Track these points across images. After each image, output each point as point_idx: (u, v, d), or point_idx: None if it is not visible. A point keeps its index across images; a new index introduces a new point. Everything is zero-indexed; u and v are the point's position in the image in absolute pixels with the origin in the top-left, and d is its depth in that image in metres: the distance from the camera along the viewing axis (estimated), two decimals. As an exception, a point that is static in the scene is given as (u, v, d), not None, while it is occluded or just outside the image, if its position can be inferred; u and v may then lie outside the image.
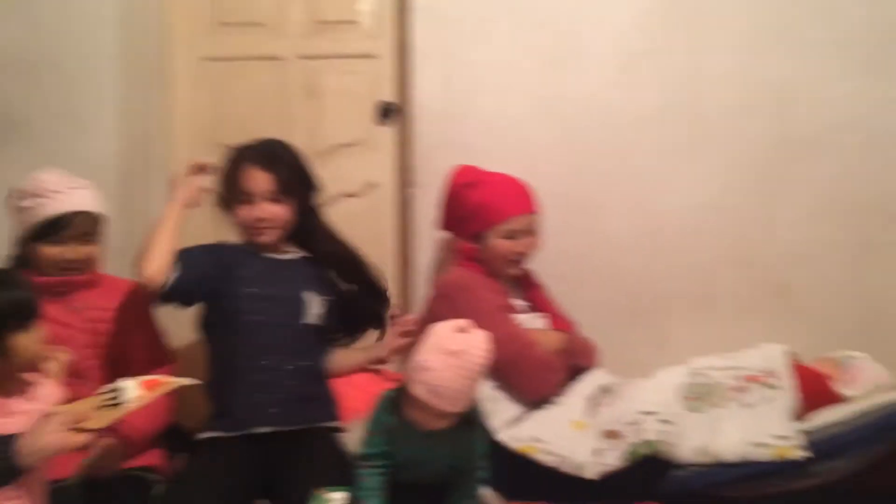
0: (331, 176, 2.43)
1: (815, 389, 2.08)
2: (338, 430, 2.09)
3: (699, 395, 2.04)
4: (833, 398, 2.10)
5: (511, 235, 2.18)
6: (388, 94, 2.71)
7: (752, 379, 2.05)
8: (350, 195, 2.70)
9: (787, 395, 2.02)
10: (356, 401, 2.10)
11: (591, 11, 2.55)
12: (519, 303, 2.27)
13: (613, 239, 2.58)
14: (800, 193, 2.50)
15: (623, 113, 2.54)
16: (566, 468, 1.97)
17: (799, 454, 1.88)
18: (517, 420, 2.07)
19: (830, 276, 2.48)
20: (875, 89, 2.46)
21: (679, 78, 2.52)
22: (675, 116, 2.52)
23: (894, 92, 2.45)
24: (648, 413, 2.00)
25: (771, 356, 2.14)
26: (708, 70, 2.51)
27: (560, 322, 2.29)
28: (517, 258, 2.21)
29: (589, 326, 2.38)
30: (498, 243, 2.19)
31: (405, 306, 2.60)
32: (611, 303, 2.59)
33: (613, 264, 2.59)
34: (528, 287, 2.33)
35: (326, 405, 2.12)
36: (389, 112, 2.70)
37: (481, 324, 1.70)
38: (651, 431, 1.97)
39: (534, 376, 2.09)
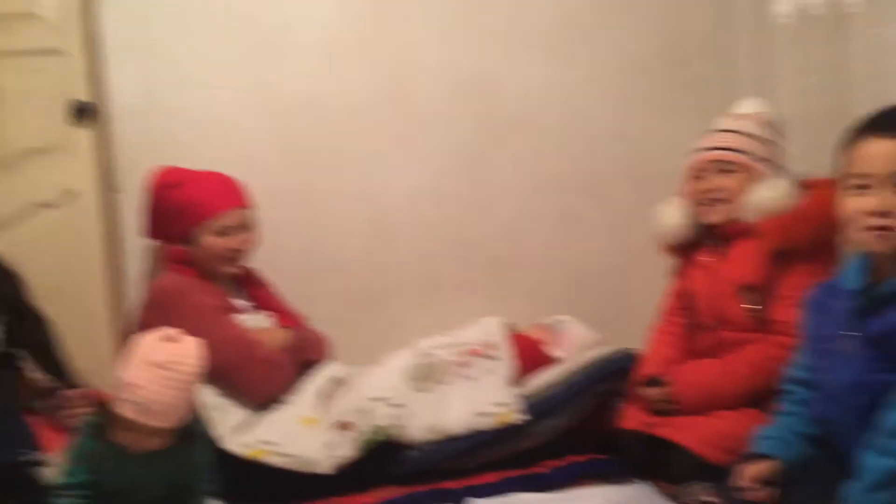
0: (20, 185, 2.17)
1: (530, 355, 2.23)
2: (35, 463, 1.87)
3: (425, 375, 2.10)
4: (547, 361, 2.26)
5: (223, 232, 2.09)
6: (81, 93, 2.47)
7: (473, 353, 2.15)
8: (46, 205, 2.43)
9: (505, 363, 2.14)
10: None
11: (298, 3, 2.51)
12: (240, 302, 2.18)
13: (338, 229, 2.58)
14: (507, 173, 2.65)
15: (335, 104, 2.54)
16: (299, 467, 1.93)
17: (519, 418, 2.00)
18: (245, 425, 1.99)
19: (539, 249, 2.67)
20: (565, 75, 2.67)
21: (388, 69, 2.57)
22: (387, 106, 2.57)
23: (581, 78, 2.67)
24: (378, 399, 2.03)
25: (489, 329, 2.25)
26: (415, 61, 2.59)
27: (287, 318, 2.24)
28: (233, 255, 2.12)
29: (321, 319, 2.36)
30: (210, 241, 2.09)
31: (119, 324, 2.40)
32: (341, 293, 2.59)
33: (340, 255, 2.59)
34: (249, 285, 2.25)
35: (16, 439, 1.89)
36: (85, 112, 2.46)
37: (197, 328, 1.60)
38: (381, 417, 1.99)
39: (259, 377, 2.03)
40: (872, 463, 1.33)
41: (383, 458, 2.00)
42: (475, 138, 2.63)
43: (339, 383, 2.15)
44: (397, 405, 2.02)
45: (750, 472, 1.48)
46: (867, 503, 1.31)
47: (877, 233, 1.40)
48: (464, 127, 2.61)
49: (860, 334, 1.42)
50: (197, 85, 2.45)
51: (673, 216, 2.06)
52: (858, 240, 1.44)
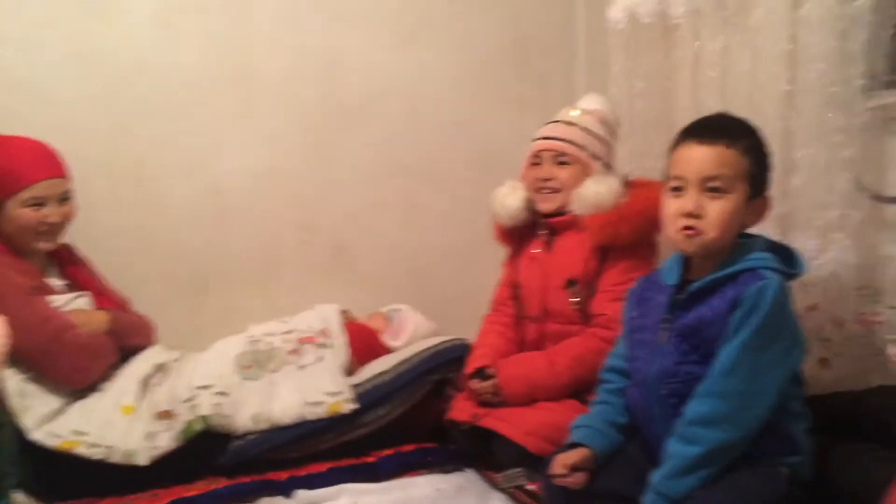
0: None
1: (365, 344, 2.22)
2: None
3: (256, 363, 2.04)
4: (382, 350, 2.25)
5: (36, 203, 1.93)
6: None
7: (306, 340, 2.10)
8: None
9: (339, 352, 2.11)
10: None
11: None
12: (55, 282, 2.03)
13: (170, 207, 2.45)
14: (352, 157, 2.61)
15: (170, 74, 2.40)
16: (115, 458, 1.82)
17: (349, 407, 1.98)
18: (56, 414, 1.85)
19: (382, 236, 2.65)
20: (413, 62, 2.66)
21: (229, 40, 2.45)
22: (226, 79, 2.45)
23: (429, 66, 2.67)
24: (203, 387, 1.95)
25: (325, 316, 2.22)
26: (258, 34, 2.48)
27: (107, 300, 2.09)
28: (46, 230, 1.96)
29: (148, 302, 2.24)
30: (21, 213, 1.92)
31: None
32: (172, 275, 2.47)
33: (172, 234, 2.46)
34: (66, 264, 2.09)
35: None
36: None
37: (3, 308, 1.47)
38: (205, 406, 1.91)
39: (73, 362, 1.89)
40: (676, 450, 1.41)
41: (207, 448, 1.92)
42: (320, 120, 2.56)
43: (162, 370, 2.05)
44: (222, 393, 1.95)
45: (561, 460, 1.53)
46: (670, 489, 1.39)
47: (685, 233, 1.48)
48: (308, 107, 2.54)
49: (672, 326, 1.50)
50: (13, 43, 2.24)
51: (509, 198, 2.10)
52: (674, 239, 1.52)
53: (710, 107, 1.96)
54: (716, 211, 1.46)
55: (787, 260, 1.50)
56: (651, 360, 1.52)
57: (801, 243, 1.82)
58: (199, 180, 2.47)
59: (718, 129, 1.51)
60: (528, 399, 1.91)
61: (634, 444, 1.69)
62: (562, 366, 1.91)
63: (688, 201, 1.47)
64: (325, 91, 2.57)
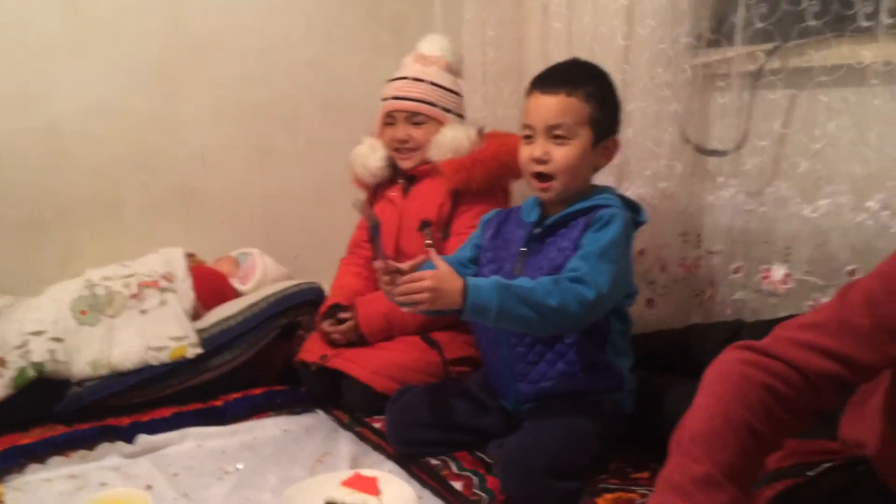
0: None
1: (212, 288, 2.18)
2: None
3: (93, 307, 1.97)
4: (230, 294, 2.23)
5: None
6: None
7: (148, 284, 2.04)
8: None
9: (183, 296, 2.07)
10: None
11: None
12: None
13: (-1, 144, 2.28)
14: (200, 96, 2.50)
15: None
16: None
17: (194, 352, 1.95)
18: None
19: (233, 177, 2.57)
20: (261, -1, 2.57)
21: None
22: (55, 7, 2.27)
23: (279, 4, 2.57)
24: (35, 333, 1.86)
25: (169, 259, 2.16)
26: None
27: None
28: None
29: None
30: None
31: None
32: (2, 217, 2.31)
33: (1, 172, 2.29)
34: None
35: None
36: None
37: None
38: (38, 352, 1.84)
39: None
40: (535, 286, 1.45)
41: (44, 396, 1.85)
42: (164, 55, 2.43)
43: (-9, 316, 1.94)
44: (57, 339, 1.87)
45: None
46: (508, 291, 1.43)
47: (539, 184, 1.59)
48: (150, 41, 2.40)
49: (527, 259, 1.61)
50: None
51: (370, 158, 2.12)
52: (531, 185, 1.62)
53: (557, 57, 2.03)
54: (561, 156, 1.56)
55: (632, 210, 1.61)
56: None
57: (632, 191, 1.95)
58: (29, 113, 2.28)
59: (561, 78, 1.59)
60: (386, 335, 1.96)
61: (474, 378, 1.78)
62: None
63: (536, 148, 1.57)
64: (168, 24, 2.43)
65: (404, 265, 1.50)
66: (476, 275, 1.69)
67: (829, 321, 1.05)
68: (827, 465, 1.16)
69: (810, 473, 1.15)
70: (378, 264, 1.52)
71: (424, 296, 1.42)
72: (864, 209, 1.57)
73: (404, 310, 1.50)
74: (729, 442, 1.00)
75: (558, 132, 1.55)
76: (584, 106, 1.56)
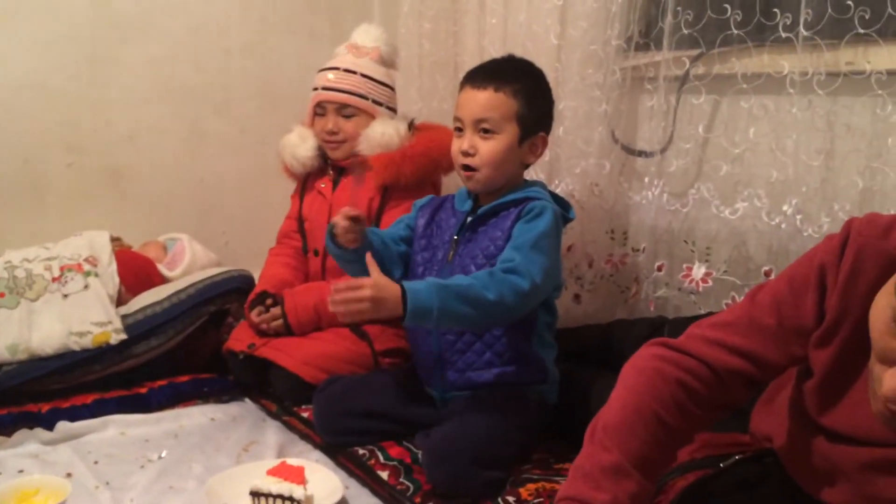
0: None
1: (138, 273, 2.14)
2: None
3: (12, 290, 1.91)
4: (157, 280, 2.19)
5: None
6: None
7: (70, 267, 1.99)
8: None
9: (107, 280, 2.02)
10: None
11: None
12: None
13: (-90, 119, 2.18)
14: (129, 76, 2.44)
15: None
16: None
17: (118, 338, 1.91)
18: None
19: (162, 160, 2.52)
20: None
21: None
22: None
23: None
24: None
25: (93, 242, 2.11)
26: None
27: None
28: None
29: None
30: None
31: None
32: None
33: (-85, 149, 2.20)
34: None
35: None
36: None
37: None
38: (-48, 336, 1.77)
39: None
40: (472, 281, 1.47)
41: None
42: (91, 31, 2.35)
43: None
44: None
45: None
46: (445, 291, 1.44)
47: (465, 174, 1.63)
48: (77, 16, 2.32)
49: (458, 248, 1.65)
50: None
51: (299, 148, 2.11)
52: (458, 173, 1.66)
53: (492, 53, 2.07)
54: (486, 149, 1.59)
55: (561, 206, 1.65)
56: (440, 277, 1.61)
57: (562, 188, 2.00)
58: (-54, 90, 2.22)
59: (491, 74, 1.62)
60: (314, 327, 1.96)
61: (402, 369, 1.80)
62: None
63: (464, 141, 1.61)
64: (96, 2, 2.37)
65: None
66: (409, 261, 1.71)
67: (739, 320, 1.11)
68: (737, 456, 1.22)
69: (722, 465, 1.20)
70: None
71: (365, 305, 1.41)
72: (780, 212, 1.64)
73: (344, 320, 1.48)
74: (639, 433, 1.04)
75: (485, 126, 1.59)
76: (512, 102, 1.59)
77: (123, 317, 1.96)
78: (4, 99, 2.28)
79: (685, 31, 1.75)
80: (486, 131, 1.59)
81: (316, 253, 2.12)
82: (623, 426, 1.05)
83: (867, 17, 1.47)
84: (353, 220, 1.59)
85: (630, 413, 1.06)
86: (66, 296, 1.94)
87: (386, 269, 1.60)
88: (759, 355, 1.08)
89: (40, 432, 1.72)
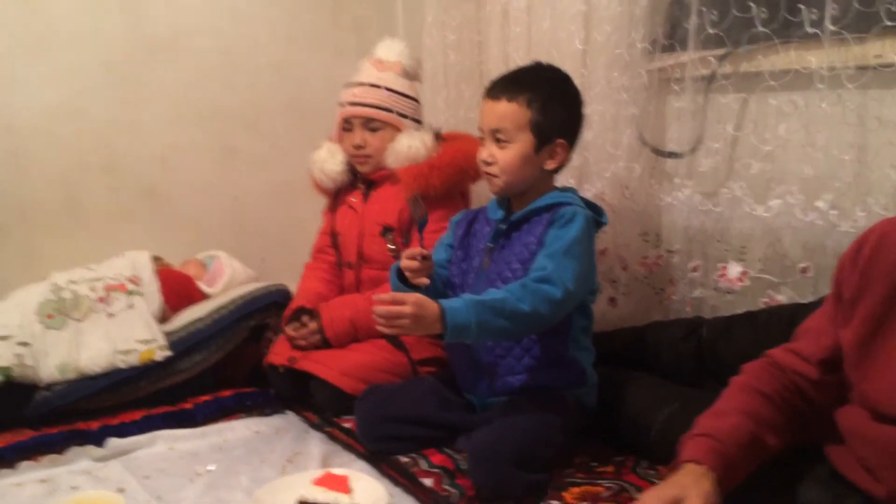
0: None
1: (179, 291, 2.18)
2: None
3: (59, 311, 1.97)
4: (197, 297, 2.23)
5: None
6: None
7: (114, 287, 2.04)
8: None
9: (150, 299, 2.07)
10: None
11: None
12: None
13: (-49, 145, 2.25)
14: (161, 98, 2.49)
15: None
16: None
17: (162, 354, 1.96)
18: None
19: (196, 180, 2.57)
20: (223, 1, 2.56)
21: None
22: (11, 8, 2.25)
23: (242, 6, 2.58)
24: (2, 338, 1.86)
25: (135, 262, 2.16)
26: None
27: None
28: None
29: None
30: None
31: None
32: (-39, 220, 2.29)
33: (-42, 176, 2.27)
34: None
35: None
36: None
37: None
38: (5, 357, 1.83)
39: None
40: (505, 295, 1.50)
41: (10, 400, 1.85)
42: (124, 56, 2.41)
43: (-46, 322, 1.93)
44: (24, 343, 1.87)
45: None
46: (480, 305, 1.48)
47: (488, 178, 1.67)
48: (110, 41, 2.38)
49: (493, 254, 1.67)
50: None
51: (328, 163, 2.14)
52: (486, 181, 1.69)
53: (517, 60, 2.09)
54: (502, 158, 1.64)
55: (593, 211, 1.67)
56: (476, 285, 1.66)
57: (593, 192, 2.01)
58: (-15, 116, 2.28)
59: (506, 85, 1.66)
60: (351, 339, 1.98)
61: (439, 376, 1.83)
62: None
63: (483, 150, 1.66)
64: (129, 24, 2.41)
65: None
66: (448, 271, 1.74)
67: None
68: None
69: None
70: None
71: (406, 322, 1.44)
72: (814, 208, 1.63)
73: (384, 331, 1.50)
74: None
75: (499, 136, 1.63)
76: (525, 112, 1.61)
77: (167, 334, 2.00)
78: (43, 125, 2.34)
79: (710, 31, 1.75)
80: (500, 140, 1.63)
81: (350, 266, 2.15)
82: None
83: (894, 8, 1.47)
84: (423, 258, 1.58)
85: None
86: (111, 315, 1.99)
87: (441, 294, 1.63)
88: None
89: (92, 449, 1.76)
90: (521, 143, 1.62)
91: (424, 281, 1.59)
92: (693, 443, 1.14)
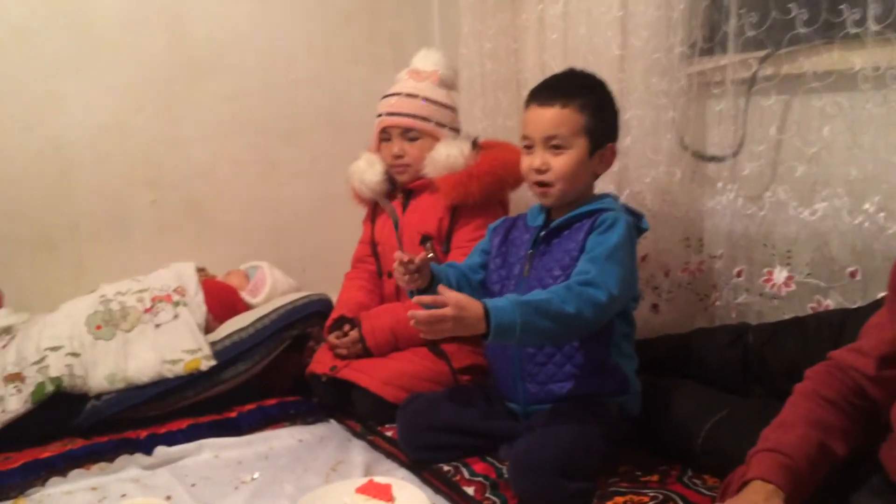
0: None
1: (223, 301, 2.22)
2: None
3: (108, 322, 2.01)
4: (241, 307, 2.26)
5: None
6: None
7: (161, 298, 2.08)
8: None
9: (195, 309, 2.11)
10: None
11: None
12: None
13: (7, 164, 2.32)
14: (204, 113, 2.55)
15: None
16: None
17: (207, 364, 1.99)
18: None
19: (237, 193, 2.62)
20: (264, 18, 2.62)
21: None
22: (62, 30, 2.33)
23: (281, 22, 2.64)
24: (53, 348, 1.90)
25: (181, 274, 2.20)
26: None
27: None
28: None
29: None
30: None
31: None
32: (13, 235, 2.36)
33: (11, 192, 2.34)
34: None
35: None
36: None
37: None
38: (56, 367, 1.88)
39: None
40: (550, 297, 1.48)
41: (63, 410, 1.89)
42: (167, 72, 2.48)
43: (9, 332, 1.99)
44: (73, 354, 1.91)
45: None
46: (526, 306, 1.45)
47: (539, 189, 1.65)
48: (153, 59, 2.46)
49: (534, 261, 1.67)
50: None
51: (367, 173, 2.16)
52: (532, 192, 1.68)
53: (554, 68, 2.08)
54: (559, 165, 1.62)
55: (634, 217, 1.66)
56: (517, 292, 1.63)
57: (633, 198, 1.99)
58: (36, 134, 2.35)
59: (556, 90, 1.64)
60: (392, 348, 1.99)
61: (480, 385, 1.82)
62: (423, 313, 2.00)
63: (535, 158, 1.64)
64: (171, 42, 2.49)
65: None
66: (485, 278, 1.74)
67: None
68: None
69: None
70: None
71: (447, 325, 1.43)
72: (862, 211, 1.60)
73: (426, 337, 1.50)
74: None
75: (555, 142, 1.61)
76: (579, 116, 1.61)
77: (212, 343, 2.04)
78: (90, 141, 2.41)
79: (750, 34, 1.73)
80: (556, 147, 1.62)
81: (390, 275, 2.15)
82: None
83: (938, 7, 1.44)
84: (409, 263, 1.58)
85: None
86: (157, 326, 2.03)
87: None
88: None
89: (140, 457, 1.79)
90: (578, 149, 1.62)
91: (412, 283, 1.60)
92: (760, 458, 1.12)
